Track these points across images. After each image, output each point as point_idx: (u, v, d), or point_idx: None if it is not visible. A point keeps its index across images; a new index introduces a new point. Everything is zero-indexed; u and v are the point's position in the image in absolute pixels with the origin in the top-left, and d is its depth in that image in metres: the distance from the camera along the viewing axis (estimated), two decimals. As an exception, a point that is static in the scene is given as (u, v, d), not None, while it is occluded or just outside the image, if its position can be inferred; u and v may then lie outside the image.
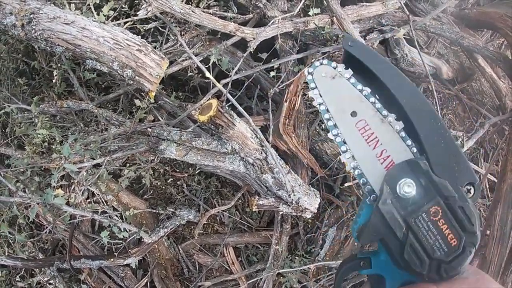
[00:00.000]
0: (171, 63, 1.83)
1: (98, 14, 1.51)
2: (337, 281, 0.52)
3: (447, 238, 0.41)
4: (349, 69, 0.50)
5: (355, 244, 1.97)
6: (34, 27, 1.25)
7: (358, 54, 0.49)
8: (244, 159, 1.57)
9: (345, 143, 0.49)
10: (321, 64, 0.51)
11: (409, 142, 0.47)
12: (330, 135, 0.50)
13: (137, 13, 1.43)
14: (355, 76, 0.50)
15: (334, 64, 0.51)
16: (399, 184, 0.43)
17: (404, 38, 2.17)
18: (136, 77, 1.09)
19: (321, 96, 0.51)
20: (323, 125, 2.12)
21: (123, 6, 1.75)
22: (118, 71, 1.09)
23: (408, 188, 0.43)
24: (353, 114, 0.49)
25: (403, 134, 0.47)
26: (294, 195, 1.60)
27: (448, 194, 0.42)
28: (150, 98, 1.21)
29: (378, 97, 0.49)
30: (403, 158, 0.46)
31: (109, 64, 1.08)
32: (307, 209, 1.65)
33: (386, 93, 0.48)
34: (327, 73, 0.51)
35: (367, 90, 0.49)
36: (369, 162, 0.48)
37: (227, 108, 1.38)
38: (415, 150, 0.46)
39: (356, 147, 0.48)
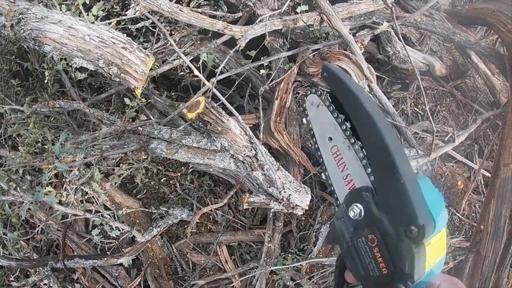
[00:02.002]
0: (162, 62, 1.84)
1: (88, 15, 1.52)
2: (337, 273, 0.55)
3: (379, 265, 0.44)
4: (328, 97, 0.55)
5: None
6: (22, 27, 1.27)
7: (330, 83, 0.52)
8: (234, 157, 1.58)
9: (324, 164, 0.56)
10: (310, 93, 0.56)
11: (369, 170, 0.49)
12: (317, 156, 0.57)
13: (126, 12, 1.44)
14: (335, 103, 0.53)
15: (319, 92, 0.55)
16: (351, 207, 0.47)
17: (396, 35, 2.18)
18: (122, 74, 1.10)
19: (310, 122, 0.57)
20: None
21: (115, 6, 1.76)
22: (104, 68, 1.10)
23: (353, 212, 0.47)
24: (330, 139, 0.54)
25: (364, 162, 0.49)
26: (285, 192, 1.60)
27: (383, 230, 0.44)
28: (137, 96, 1.22)
29: (349, 125, 0.52)
30: (362, 184, 0.49)
31: (95, 62, 1.09)
32: (298, 205, 1.65)
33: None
34: (313, 102, 0.56)
35: (341, 117, 0.52)
36: (338, 182, 0.53)
37: (215, 105, 1.38)
38: (372, 178, 0.48)
39: (330, 169, 0.55)
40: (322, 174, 0.56)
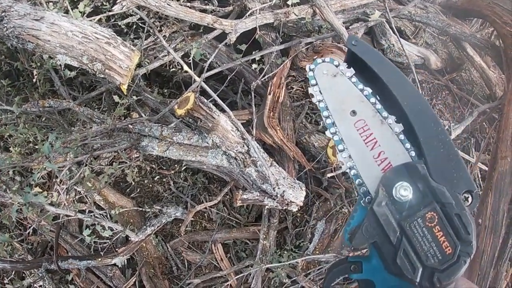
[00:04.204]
0: (154, 58, 1.81)
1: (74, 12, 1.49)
2: (326, 283, 0.50)
3: (442, 245, 0.40)
4: (351, 68, 0.49)
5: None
6: (5, 24, 1.24)
7: (361, 53, 0.48)
8: (227, 153, 1.55)
9: (342, 141, 0.48)
10: (323, 61, 0.50)
11: (408, 145, 0.45)
12: (328, 133, 0.49)
13: (113, 8, 1.41)
14: (357, 75, 0.49)
15: (336, 62, 0.50)
16: (396, 187, 0.42)
17: (391, 28, 2.15)
18: (106, 70, 1.08)
19: (321, 93, 0.49)
20: (309, 118, 2.10)
21: (104, 3, 1.73)
22: (88, 65, 1.08)
23: (404, 191, 0.41)
24: (353, 113, 0.48)
25: (402, 136, 0.46)
26: (279, 188, 1.58)
27: (445, 201, 0.40)
28: (124, 92, 1.20)
29: (379, 98, 0.48)
30: (400, 161, 0.44)
31: (79, 58, 1.06)
32: (293, 202, 1.62)
33: (387, 94, 0.47)
34: (328, 70, 0.50)
35: (368, 90, 0.48)
36: (366, 163, 0.46)
37: (205, 101, 1.36)
38: (413, 154, 0.45)
39: (353, 147, 0.47)
40: (340, 154, 0.48)
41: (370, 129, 0.47)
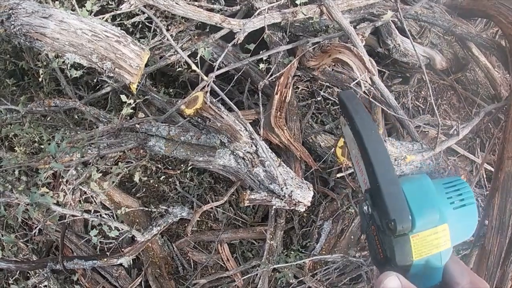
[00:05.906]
0: (160, 58, 1.80)
1: (82, 10, 1.48)
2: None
3: (379, 250, 0.53)
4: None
5: (351, 237, 1.95)
6: (13, 22, 1.23)
7: (339, 106, 0.64)
8: (234, 153, 1.55)
9: (355, 169, 0.67)
10: (341, 115, 0.69)
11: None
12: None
13: (120, 7, 1.40)
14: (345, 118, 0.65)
15: (344, 114, 0.66)
16: (363, 204, 0.58)
17: (397, 28, 2.15)
18: (116, 69, 1.07)
19: (344, 138, 0.70)
20: (315, 118, 2.09)
21: (110, 2, 1.73)
22: (98, 63, 1.07)
23: (365, 208, 0.57)
24: (352, 149, 0.66)
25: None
26: (287, 188, 1.58)
27: (375, 223, 0.53)
28: (133, 92, 1.19)
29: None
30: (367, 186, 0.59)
31: (88, 56, 1.05)
32: (300, 202, 1.62)
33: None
34: (343, 121, 0.68)
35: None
36: (362, 184, 0.63)
37: (214, 100, 1.35)
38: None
39: (357, 173, 0.65)
40: (356, 177, 0.66)
41: (359, 162, 0.62)
